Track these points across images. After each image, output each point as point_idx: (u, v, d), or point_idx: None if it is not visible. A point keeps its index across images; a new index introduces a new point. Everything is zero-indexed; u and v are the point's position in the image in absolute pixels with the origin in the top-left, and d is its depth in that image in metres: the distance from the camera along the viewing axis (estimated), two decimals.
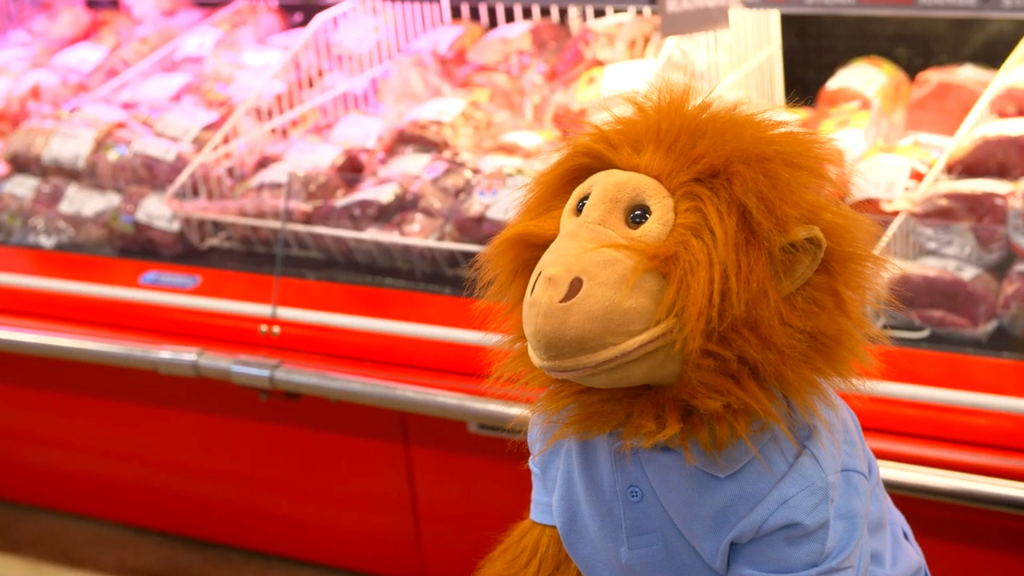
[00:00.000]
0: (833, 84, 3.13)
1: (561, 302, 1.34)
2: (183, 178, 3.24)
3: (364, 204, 3.02)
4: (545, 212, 1.47)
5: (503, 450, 2.75)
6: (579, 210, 1.42)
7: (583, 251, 1.36)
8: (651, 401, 1.41)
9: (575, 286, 1.34)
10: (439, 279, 2.96)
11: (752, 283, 1.34)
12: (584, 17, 3.55)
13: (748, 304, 1.34)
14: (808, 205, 1.39)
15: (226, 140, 3.36)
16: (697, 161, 1.38)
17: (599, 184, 1.41)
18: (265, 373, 2.82)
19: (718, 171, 1.37)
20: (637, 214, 1.39)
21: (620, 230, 1.39)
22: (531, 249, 1.45)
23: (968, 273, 2.49)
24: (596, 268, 1.35)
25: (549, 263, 1.37)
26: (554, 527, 1.63)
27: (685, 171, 1.38)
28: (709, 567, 1.52)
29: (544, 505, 1.65)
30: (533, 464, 1.67)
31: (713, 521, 1.47)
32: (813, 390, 1.43)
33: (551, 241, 1.42)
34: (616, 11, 3.48)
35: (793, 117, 1.46)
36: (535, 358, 1.39)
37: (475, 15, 3.75)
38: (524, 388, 1.53)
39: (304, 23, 3.85)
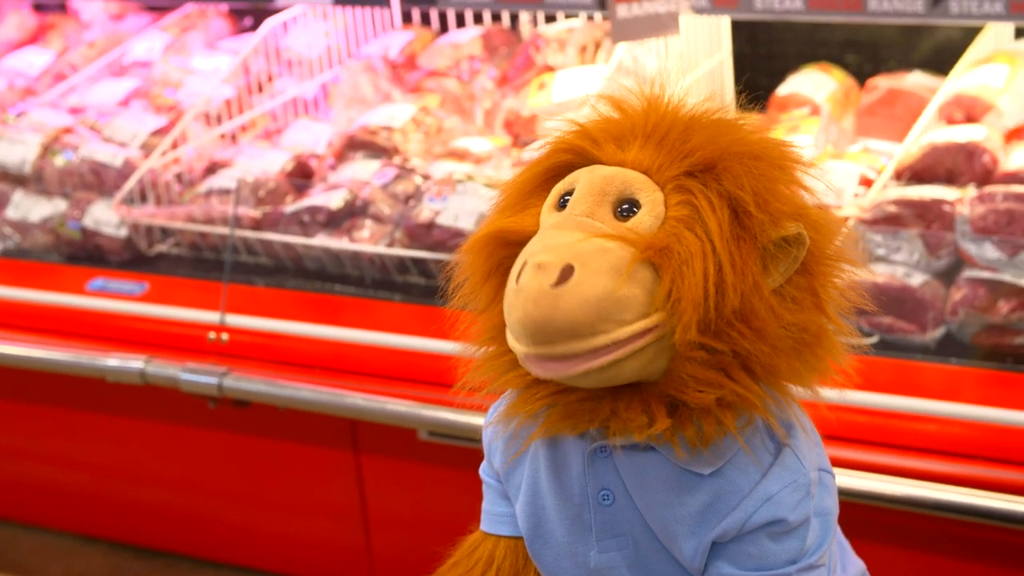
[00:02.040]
0: (783, 90, 3.14)
1: (552, 287, 1.33)
2: (131, 184, 3.22)
3: (313, 210, 3.00)
4: (522, 210, 1.46)
5: (453, 458, 2.76)
6: (561, 205, 1.42)
7: (573, 240, 1.35)
8: (636, 397, 1.40)
9: (567, 272, 1.33)
10: (389, 285, 2.95)
11: (747, 276, 1.35)
12: (535, 22, 3.55)
13: (743, 296, 1.35)
14: (795, 203, 1.41)
15: (175, 145, 3.33)
16: (689, 155, 1.39)
17: (585, 178, 1.42)
18: (213, 381, 2.80)
19: (710, 166, 1.38)
20: (625, 208, 1.39)
21: (609, 223, 1.39)
22: (508, 247, 1.44)
23: (916, 279, 2.49)
24: (588, 256, 1.34)
25: (536, 251, 1.35)
26: (509, 537, 1.62)
27: (676, 165, 1.39)
28: (679, 570, 1.51)
29: (498, 516, 1.63)
30: (485, 474, 1.65)
31: (693, 520, 1.47)
32: (801, 384, 1.44)
33: (529, 238, 1.41)
34: (567, 17, 3.48)
35: (765, 123, 1.47)
36: (519, 347, 1.37)
37: (426, 20, 3.74)
38: (489, 396, 1.53)
39: (254, 28, 3.83)
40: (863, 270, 1.47)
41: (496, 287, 1.45)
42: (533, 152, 1.50)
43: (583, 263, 1.33)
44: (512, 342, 1.38)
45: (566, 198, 1.42)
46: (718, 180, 1.38)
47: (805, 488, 1.47)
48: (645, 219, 1.38)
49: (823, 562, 1.50)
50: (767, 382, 1.41)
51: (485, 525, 1.65)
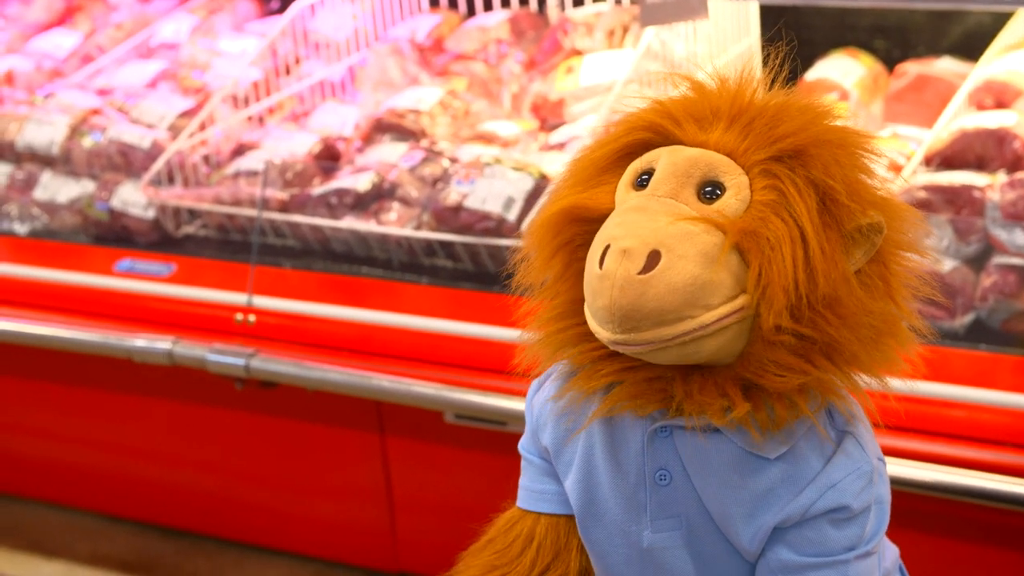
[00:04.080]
0: (812, 75, 3.13)
1: (639, 274, 1.32)
2: (159, 165, 3.22)
3: (341, 192, 3.00)
4: (596, 186, 1.45)
5: (479, 440, 2.76)
6: (639, 184, 1.41)
7: (658, 224, 1.34)
8: (710, 379, 1.40)
9: (653, 258, 1.32)
10: (416, 268, 2.95)
11: (835, 263, 1.35)
12: (563, 6, 3.54)
13: (833, 283, 1.34)
14: (875, 192, 1.41)
15: (202, 127, 3.34)
16: (779, 141, 1.38)
17: (666, 159, 1.40)
18: (240, 362, 2.81)
19: (799, 152, 1.37)
20: (709, 190, 1.38)
21: (694, 205, 1.37)
22: (580, 223, 1.43)
23: (946, 266, 2.49)
24: (675, 241, 1.33)
25: (619, 236, 1.34)
26: (550, 515, 1.60)
27: (764, 150, 1.38)
28: (732, 552, 1.50)
29: (539, 493, 1.62)
30: (526, 451, 1.64)
31: (753, 504, 1.46)
32: (874, 373, 1.43)
33: (603, 216, 1.40)
34: (595, 1, 3.47)
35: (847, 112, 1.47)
36: (604, 333, 1.36)
37: (453, 3, 3.74)
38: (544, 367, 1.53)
39: (281, 10, 3.83)
40: (933, 260, 1.48)
41: (564, 263, 1.44)
42: (607, 127, 1.48)
43: (669, 248, 1.33)
44: (595, 327, 1.38)
45: (644, 177, 1.41)
46: (805, 167, 1.37)
47: (868, 476, 1.47)
48: (731, 202, 1.37)
49: (877, 550, 1.50)
50: (845, 370, 1.41)
51: (524, 502, 1.63)
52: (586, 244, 1.40)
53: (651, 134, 1.44)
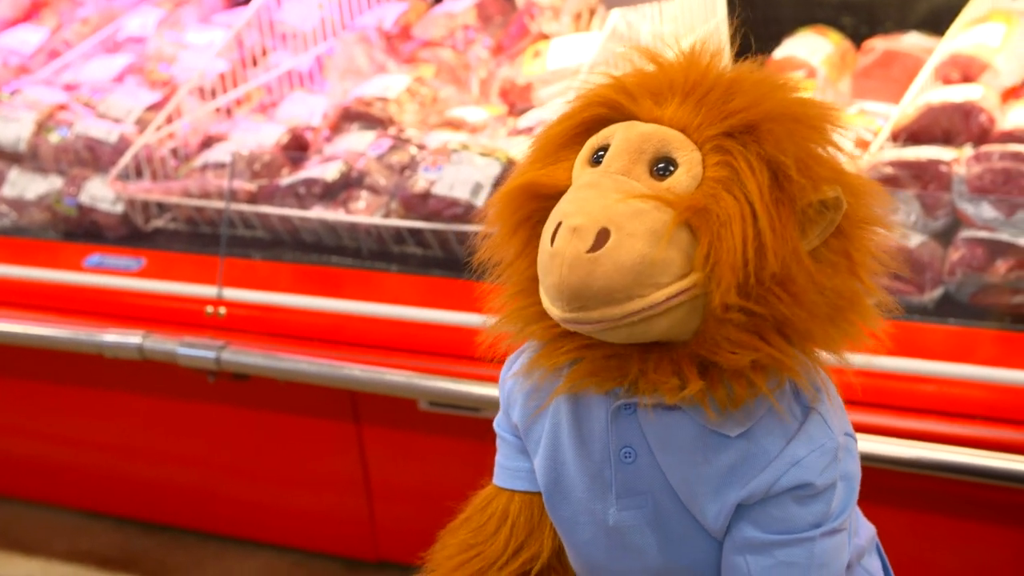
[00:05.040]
0: (779, 54, 3.13)
1: (588, 252, 1.31)
2: (126, 160, 3.21)
3: (309, 182, 2.99)
4: (554, 162, 1.44)
5: (454, 427, 2.76)
6: (595, 160, 1.40)
7: (608, 201, 1.34)
8: (666, 357, 1.39)
9: (602, 236, 1.31)
10: (386, 256, 2.94)
11: (786, 240, 1.34)
12: None
13: (782, 261, 1.33)
14: (832, 166, 1.39)
15: (169, 120, 3.32)
16: (731, 116, 1.37)
17: (621, 134, 1.39)
18: (211, 355, 2.80)
19: (751, 127, 1.36)
20: (661, 166, 1.37)
21: (645, 181, 1.36)
22: (538, 200, 1.43)
23: (914, 240, 2.49)
24: (624, 219, 1.32)
25: (571, 212, 1.34)
26: (524, 492, 1.60)
27: (716, 125, 1.37)
28: (698, 530, 1.50)
29: (513, 471, 1.62)
30: (500, 428, 1.63)
31: (718, 482, 1.45)
32: (833, 349, 1.43)
33: (560, 192, 1.40)
34: None
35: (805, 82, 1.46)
36: (554, 310, 1.36)
37: None
38: (510, 348, 1.53)
39: (247, 1, 3.81)
40: (897, 234, 1.47)
41: (524, 239, 1.44)
42: (565, 104, 1.47)
43: (618, 227, 1.32)
44: (547, 303, 1.38)
45: (600, 153, 1.40)
46: (759, 142, 1.35)
47: (832, 452, 1.46)
48: (682, 179, 1.36)
49: (845, 526, 1.49)
50: (800, 346, 1.40)
51: (499, 480, 1.63)
52: (544, 220, 1.40)
53: (608, 110, 1.43)
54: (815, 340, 1.40)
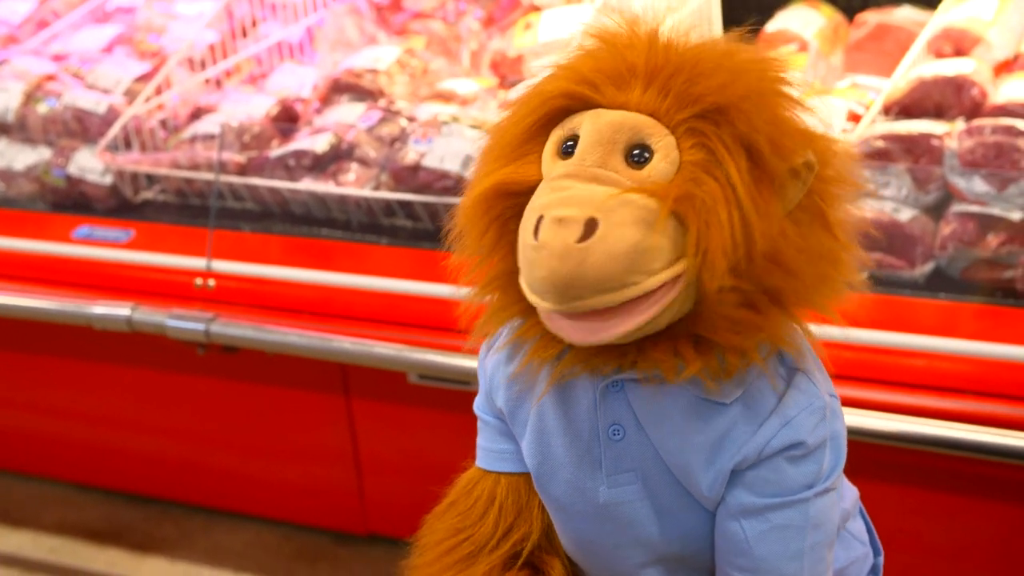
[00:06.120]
0: (772, 27, 3.12)
1: (577, 242, 1.29)
2: (115, 131, 3.19)
3: (299, 154, 2.98)
4: (520, 158, 1.42)
5: (444, 400, 2.75)
6: (566, 152, 1.38)
7: (592, 192, 1.32)
8: (663, 337, 1.39)
9: (590, 226, 1.30)
10: (375, 229, 2.93)
11: (771, 217, 1.33)
12: None
13: (769, 237, 1.33)
14: (802, 131, 1.38)
15: (159, 91, 3.30)
16: (699, 99, 1.35)
17: (590, 125, 1.37)
18: (200, 327, 2.79)
19: (721, 109, 1.34)
20: (636, 153, 1.35)
21: (623, 171, 1.35)
22: (508, 197, 1.41)
23: (905, 215, 2.48)
24: (611, 207, 1.31)
25: (552, 204, 1.32)
26: (510, 474, 1.60)
27: (687, 108, 1.35)
28: (691, 503, 1.50)
29: (498, 453, 1.61)
30: (481, 411, 1.63)
31: (711, 449, 1.45)
32: (824, 311, 1.42)
33: (531, 189, 1.38)
34: None
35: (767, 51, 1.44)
36: (543, 304, 1.34)
37: None
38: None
39: None
40: (866, 191, 1.46)
41: (495, 237, 1.42)
42: (522, 96, 1.45)
43: (606, 215, 1.30)
44: (533, 298, 1.35)
45: (569, 144, 1.38)
46: (731, 123, 1.34)
47: (821, 411, 1.46)
48: (660, 165, 1.35)
49: (836, 486, 1.50)
50: (791, 313, 1.40)
51: (483, 462, 1.62)
52: (517, 216, 1.38)
53: (568, 101, 1.40)
54: (812, 303, 1.40)
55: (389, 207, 2.91)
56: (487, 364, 1.59)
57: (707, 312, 1.36)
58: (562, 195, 1.33)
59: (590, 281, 1.30)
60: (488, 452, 1.62)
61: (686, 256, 1.33)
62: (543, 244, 1.31)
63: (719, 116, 1.35)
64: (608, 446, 1.49)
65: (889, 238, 2.45)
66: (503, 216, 1.41)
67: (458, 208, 1.47)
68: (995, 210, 2.42)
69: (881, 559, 1.73)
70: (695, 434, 1.45)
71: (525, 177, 1.40)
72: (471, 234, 1.44)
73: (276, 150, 3.03)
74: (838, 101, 2.73)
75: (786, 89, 1.39)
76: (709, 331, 1.38)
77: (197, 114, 3.27)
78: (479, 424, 1.64)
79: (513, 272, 1.40)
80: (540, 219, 1.31)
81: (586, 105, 1.40)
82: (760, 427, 1.44)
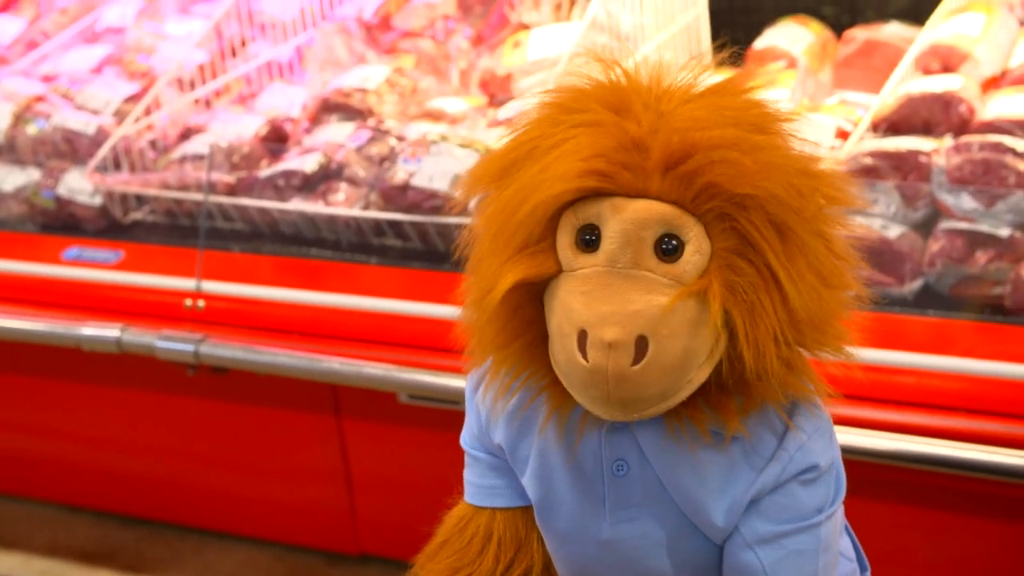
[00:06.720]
0: (760, 44, 3.12)
1: (633, 366, 1.29)
2: (104, 151, 3.19)
3: (288, 174, 2.98)
4: (534, 253, 1.36)
5: (435, 420, 2.75)
6: (586, 244, 1.33)
7: (632, 303, 1.30)
8: (698, 398, 1.39)
9: (641, 345, 1.29)
10: (365, 248, 2.93)
11: (807, 285, 1.33)
12: None
13: (808, 309, 1.33)
14: (814, 180, 1.36)
15: (148, 112, 3.30)
16: (726, 190, 1.31)
17: (613, 223, 1.32)
18: (190, 348, 2.78)
19: (746, 196, 1.31)
20: (666, 245, 1.32)
21: (657, 268, 1.31)
22: (527, 287, 1.37)
23: (894, 232, 2.48)
24: (657, 320, 1.29)
25: (595, 322, 1.29)
26: (505, 509, 1.58)
27: (715, 199, 1.31)
28: (695, 536, 1.49)
29: (490, 488, 1.58)
30: (469, 446, 1.60)
31: (724, 478, 1.44)
32: (842, 334, 1.42)
33: (549, 279, 1.35)
34: None
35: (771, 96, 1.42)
36: (603, 414, 1.35)
37: None
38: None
39: None
40: (863, 216, 1.46)
41: (518, 328, 1.39)
42: (525, 179, 1.36)
43: (654, 331, 1.29)
44: (588, 405, 1.36)
45: (589, 237, 1.33)
46: (761, 207, 1.31)
47: (829, 433, 1.47)
48: (694, 258, 1.32)
49: (840, 508, 1.50)
50: (818, 352, 1.40)
51: (474, 498, 1.59)
52: (533, 298, 1.37)
53: (581, 193, 1.34)
54: (828, 337, 1.40)
55: (378, 227, 2.91)
56: (479, 402, 1.56)
57: (751, 383, 1.37)
58: (602, 309, 1.30)
59: (649, 397, 1.32)
60: (479, 488, 1.59)
61: (721, 338, 1.33)
62: (596, 368, 1.30)
63: (748, 201, 1.32)
64: (612, 482, 1.48)
65: (878, 255, 2.45)
66: (522, 307, 1.38)
67: (474, 304, 1.41)
68: (983, 227, 2.42)
69: (868, 574, 1.72)
70: (705, 465, 1.44)
71: (543, 271, 1.36)
72: (490, 329, 1.41)
73: (265, 170, 3.03)
74: (826, 118, 2.73)
75: (807, 159, 1.37)
76: (742, 390, 1.38)
77: (186, 134, 3.27)
78: (467, 459, 1.60)
79: (532, 344, 1.39)
80: (583, 335, 1.30)
81: (599, 192, 1.34)
82: (775, 453, 1.44)
